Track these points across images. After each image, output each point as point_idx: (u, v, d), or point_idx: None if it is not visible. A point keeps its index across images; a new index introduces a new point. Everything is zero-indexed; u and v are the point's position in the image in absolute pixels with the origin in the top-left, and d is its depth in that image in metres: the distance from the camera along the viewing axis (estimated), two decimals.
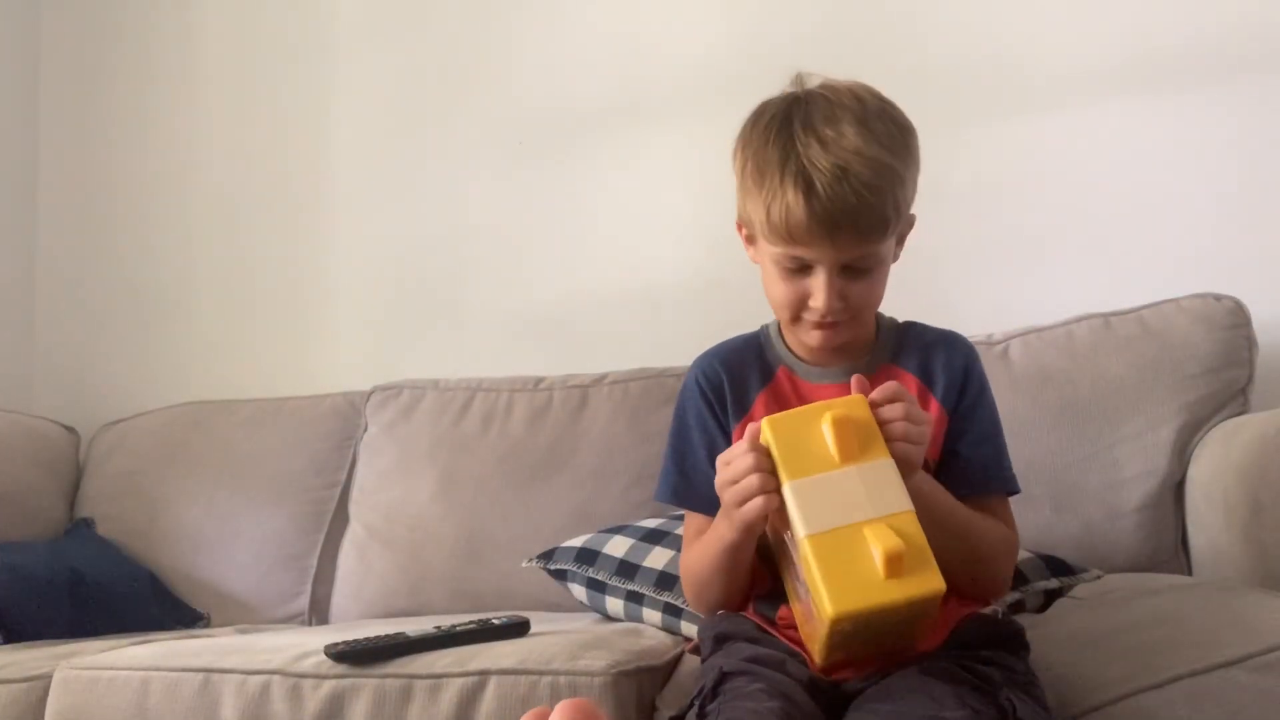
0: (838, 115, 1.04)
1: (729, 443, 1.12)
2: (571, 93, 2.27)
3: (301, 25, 2.49)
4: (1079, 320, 1.74)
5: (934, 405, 1.13)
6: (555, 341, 2.22)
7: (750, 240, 1.13)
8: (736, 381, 1.17)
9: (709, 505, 1.10)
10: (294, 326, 2.44)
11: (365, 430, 2.12)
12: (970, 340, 1.20)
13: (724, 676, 1.00)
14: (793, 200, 1.02)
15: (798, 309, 1.09)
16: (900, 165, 1.06)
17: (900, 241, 1.13)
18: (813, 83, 1.10)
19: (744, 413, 1.16)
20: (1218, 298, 1.67)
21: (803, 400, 1.13)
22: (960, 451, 1.12)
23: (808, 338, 1.12)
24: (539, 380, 2.04)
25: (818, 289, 1.06)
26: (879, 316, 1.19)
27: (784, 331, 1.18)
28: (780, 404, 1.14)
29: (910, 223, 1.14)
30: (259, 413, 2.21)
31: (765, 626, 1.11)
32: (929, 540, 0.90)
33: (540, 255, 2.27)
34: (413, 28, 2.41)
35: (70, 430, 2.36)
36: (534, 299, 2.26)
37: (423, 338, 2.34)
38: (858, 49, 2.08)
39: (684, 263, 2.12)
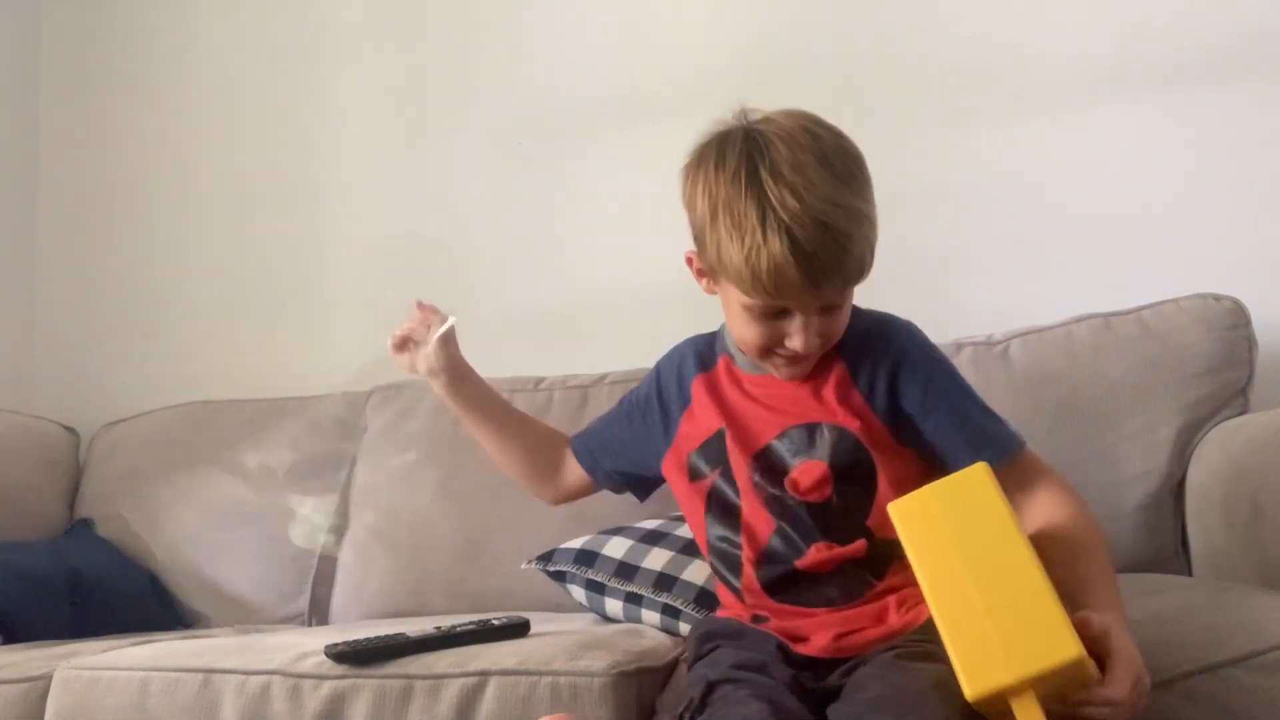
0: (800, 160, 1.04)
1: (665, 428, 1.25)
2: (572, 92, 2.27)
3: (301, 25, 2.49)
4: (1079, 320, 1.74)
5: (855, 397, 1.13)
6: (555, 341, 2.22)
7: (705, 275, 1.14)
8: (684, 372, 1.25)
9: (586, 455, 1.36)
10: (294, 327, 2.44)
11: (365, 431, 2.12)
12: (907, 322, 1.19)
13: (711, 687, 1.02)
14: (779, 255, 1.01)
15: (771, 348, 1.11)
16: (868, 206, 1.07)
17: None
18: (755, 117, 1.10)
19: (686, 402, 1.23)
20: (1217, 298, 1.67)
21: (739, 389, 1.19)
22: (939, 435, 1.11)
23: (780, 371, 1.15)
24: (539, 380, 2.04)
25: (795, 332, 1.08)
26: None
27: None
28: (712, 393, 1.20)
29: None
30: (259, 413, 2.21)
31: (743, 618, 1.15)
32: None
33: (540, 255, 2.27)
34: (412, 28, 2.41)
35: (70, 430, 2.36)
36: (534, 299, 2.26)
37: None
38: (858, 50, 2.08)
39: (684, 263, 2.11)
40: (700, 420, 1.21)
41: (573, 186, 2.25)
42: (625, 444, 1.33)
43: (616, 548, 1.56)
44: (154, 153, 2.57)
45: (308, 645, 1.32)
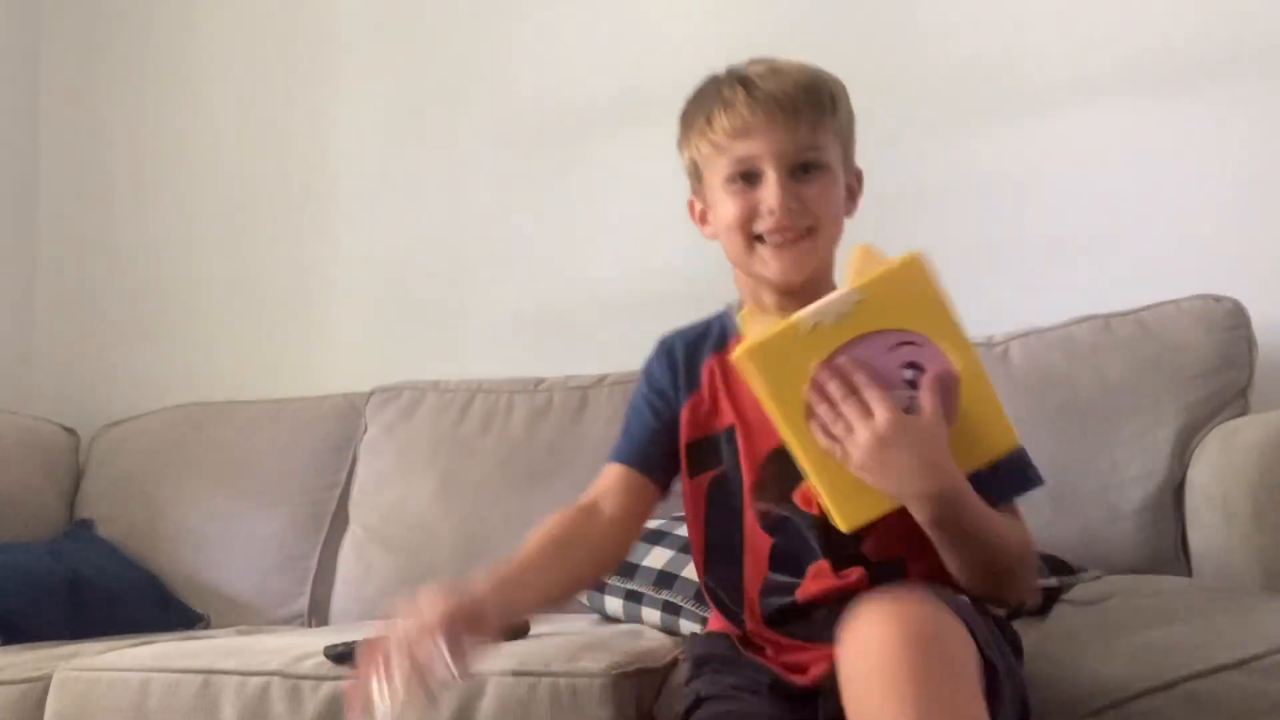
0: (766, 58, 1.09)
1: (672, 413, 1.14)
2: (572, 93, 2.27)
3: (302, 25, 2.49)
4: (1079, 321, 1.74)
5: None
6: (555, 342, 2.22)
7: (703, 217, 1.13)
8: (691, 357, 1.16)
9: (637, 458, 1.14)
10: (294, 327, 2.44)
11: (365, 431, 2.12)
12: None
13: (699, 701, 1.03)
14: (730, 95, 1.05)
15: (749, 222, 1.06)
16: (834, 81, 1.10)
17: (853, 195, 1.12)
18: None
19: (695, 386, 1.14)
20: (1217, 299, 1.67)
21: None
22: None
23: (769, 267, 1.07)
24: (539, 381, 2.04)
25: (769, 189, 1.04)
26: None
27: (744, 277, 1.13)
28: (725, 380, 1.12)
29: (858, 176, 1.13)
30: (259, 414, 2.21)
31: (737, 644, 1.10)
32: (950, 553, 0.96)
33: (540, 256, 2.27)
34: (414, 28, 2.41)
35: (70, 431, 2.35)
36: (534, 299, 2.26)
37: (423, 339, 2.34)
38: (858, 50, 2.08)
39: (684, 263, 2.11)
40: (707, 409, 1.13)
41: (573, 187, 2.25)
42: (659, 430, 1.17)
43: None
44: (154, 153, 2.56)
45: (307, 646, 1.32)
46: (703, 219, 1.13)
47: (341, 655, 1.26)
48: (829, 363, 0.92)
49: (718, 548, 1.12)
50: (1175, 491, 1.60)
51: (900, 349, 0.93)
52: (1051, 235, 1.95)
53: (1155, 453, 1.60)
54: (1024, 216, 1.97)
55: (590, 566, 1.13)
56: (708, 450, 1.12)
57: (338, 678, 1.24)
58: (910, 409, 0.92)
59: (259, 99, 2.52)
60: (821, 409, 0.92)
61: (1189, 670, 1.00)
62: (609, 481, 1.14)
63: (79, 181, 2.61)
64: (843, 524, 0.95)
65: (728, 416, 1.11)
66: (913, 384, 0.93)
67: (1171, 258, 1.86)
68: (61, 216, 2.62)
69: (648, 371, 1.19)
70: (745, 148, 1.05)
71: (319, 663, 1.27)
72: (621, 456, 1.15)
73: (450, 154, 2.36)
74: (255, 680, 1.28)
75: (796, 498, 1.06)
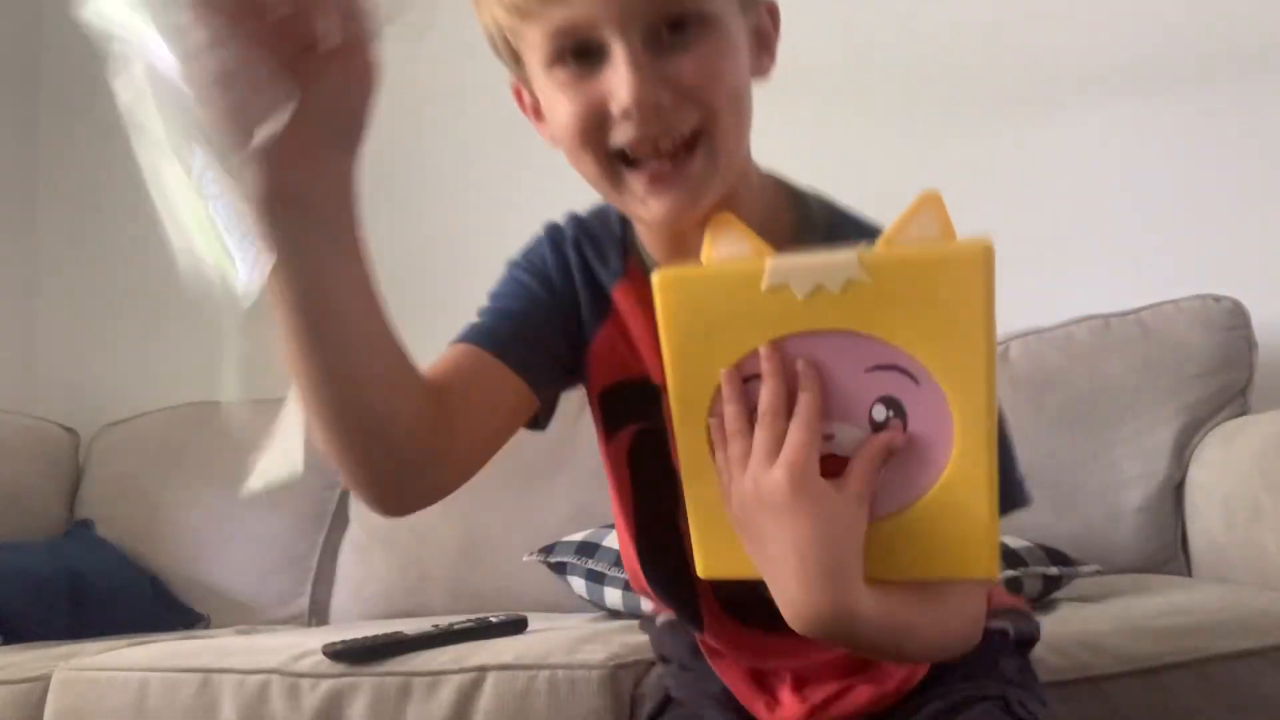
0: None
1: (568, 326, 0.82)
2: None
3: None
4: (1078, 321, 1.74)
5: None
6: None
7: (535, 110, 0.78)
8: (591, 272, 0.83)
9: (513, 347, 0.79)
10: None
11: None
12: None
13: (667, 701, 0.91)
14: None
15: (597, 131, 0.69)
16: None
17: (765, 44, 0.77)
18: None
19: (604, 314, 0.82)
20: (1217, 299, 1.67)
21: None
22: None
23: (646, 206, 0.71)
24: None
25: (617, 74, 0.66)
26: (783, 187, 0.80)
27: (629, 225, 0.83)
28: (647, 312, 0.73)
29: (770, 10, 0.78)
30: (259, 413, 2.21)
31: (699, 646, 0.90)
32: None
33: None
34: (415, 27, 2.41)
35: (70, 431, 2.35)
36: None
37: (423, 339, 2.32)
38: (858, 49, 2.08)
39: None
40: (624, 348, 0.81)
41: (573, 187, 2.25)
42: (542, 325, 0.82)
43: (617, 539, 1.56)
44: None
45: (306, 645, 1.32)
46: (535, 113, 0.78)
47: (339, 653, 1.26)
48: (777, 347, 0.62)
49: (651, 527, 0.86)
50: (1175, 491, 1.59)
51: (886, 374, 0.62)
52: (1051, 235, 1.94)
53: (1155, 453, 1.60)
54: (1023, 217, 1.97)
55: (410, 415, 0.71)
56: (628, 399, 0.82)
57: (336, 675, 1.24)
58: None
59: None
60: (730, 411, 0.63)
61: (1213, 651, 1.01)
62: (458, 362, 0.80)
63: (79, 182, 2.62)
64: (700, 568, 0.68)
65: (653, 358, 0.77)
66: (881, 428, 0.63)
67: (1171, 258, 1.86)
68: (61, 217, 2.62)
69: (531, 256, 0.88)
70: (565, 9, 0.66)
71: (318, 661, 1.27)
72: (482, 339, 0.79)
73: (451, 153, 2.36)
74: (254, 679, 1.28)
75: None
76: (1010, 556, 1.32)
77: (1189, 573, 1.56)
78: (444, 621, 1.37)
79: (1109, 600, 1.29)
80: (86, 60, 2.61)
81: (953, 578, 0.65)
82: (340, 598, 2.01)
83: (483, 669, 1.20)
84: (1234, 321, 1.65)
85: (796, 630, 0.63)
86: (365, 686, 1.22)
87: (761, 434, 0.62)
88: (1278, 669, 1.01)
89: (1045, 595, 1.33)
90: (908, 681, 0.82)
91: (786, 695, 0.83)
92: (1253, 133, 1.85)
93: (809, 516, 0.60)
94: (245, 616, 2.01)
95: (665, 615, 0.96)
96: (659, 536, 0.84)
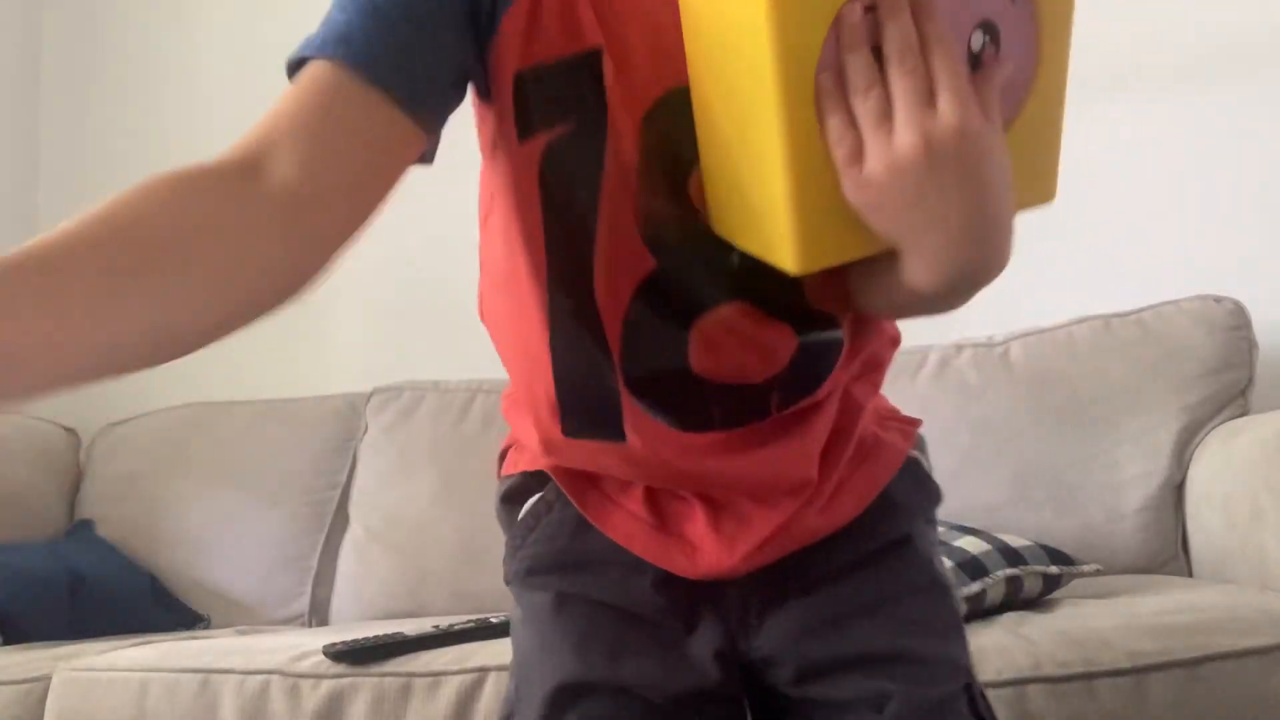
0: None
1: (473, 10, 0.62)
2: None
3: (302, 22, 2.49)
4: (1079, 322, 1.74)
5: None
6: None
7: None
8: None
9: (384, 59, 0.61)
10: (294, 328, 2.43)
11: (365, 432, 2.12)
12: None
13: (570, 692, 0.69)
14: None
15: None
16: None
17: None
18: None
19: None
20: (1218, 299, 1.68)
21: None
22: None
23: None
24: None
25: None
26: None
27: None
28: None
29: None
30: (259, 414, 2.21)
31: (568, 463, 0.73)
32: None
33: None
34: None
35: (70, 431, 2.35)
36: None
37: (423, 339, 2.34)
38: None
39: None
40: (553, 20, 0.63)
41: None
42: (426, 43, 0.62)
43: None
44: (154, 152, 2.57)
45: (306, 645, 1.32)
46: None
47: (340, 653, 1.26)
48: None
49: (557, 271, 0.67)
50: (1175, 491, 1.60)
51: None
52: (1052, 235, 1.94)
53: (1155, 453, 1.60)
54: (1023, 217, 1.97)
55: (225, 284, 0.56)
56: (552, 87, 0.64)
57: (336, 676, 1.24)
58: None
59: (259, 97, 2.50)
60: (858, 60, 0.51)
61: (1213, 650, 1.02)
62: (318, 96, 0.62)
63: (79, 181, 2.61)
64: (794, 263, 0.56)
65: (590, 33, 0.62)
66: (976, 60, 0.54)
67: (1172, 258, 1.86)
68: (61, 216, 2.61)
69: None
70: None
71: (318, 661, 1.27)
72: (345, 53, 0.61)
73: (451, 153, 2.35)
74: (254, 679, 1.28)
75: (693, 189, 0.63)
76: (1010, 555, 1.32)
77: (1189, 573, 1.56)
78: (444, 622, 1.37)
79: (1109, 600, 1.29)
80: (87, 60, 2.60)
81: (1029, 206, 0.61)
82: (340, 598, 2.00)
83: (483, 670, 1.20)
84: (1235, 322, 1.65)
85: (936, 288, 0.57)
86: (365, 687, 1.22)
87: (905, 79, 0.51)
88: (1278, 669, 1.01)
89: (1045, 594, 1.33)
90: (856, 510, 0.71)
91: (702, 536, 0.68)
92: (1253, 133, 1.85)
93: (990, 157, 0.53)
94: (245, 617, 2.01)
95: (526, 474, 0.77)
96: (564, 284, 0.66)
